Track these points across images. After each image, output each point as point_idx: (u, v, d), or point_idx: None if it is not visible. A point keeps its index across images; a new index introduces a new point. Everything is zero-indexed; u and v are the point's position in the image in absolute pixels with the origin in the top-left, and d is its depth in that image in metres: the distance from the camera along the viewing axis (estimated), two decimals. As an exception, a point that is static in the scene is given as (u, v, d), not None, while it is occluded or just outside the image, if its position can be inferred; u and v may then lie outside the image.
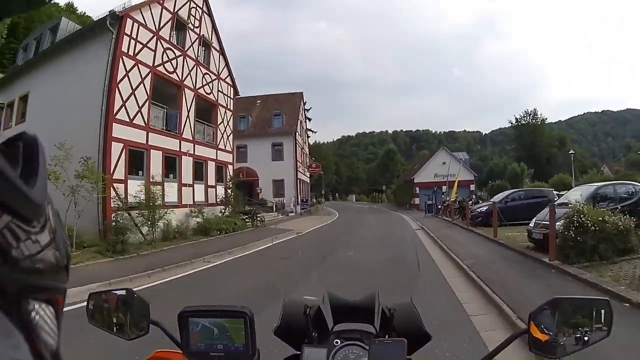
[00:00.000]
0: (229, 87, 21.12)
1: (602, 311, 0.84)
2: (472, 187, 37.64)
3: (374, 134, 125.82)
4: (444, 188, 33.74)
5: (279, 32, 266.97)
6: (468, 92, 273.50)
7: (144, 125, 14.19)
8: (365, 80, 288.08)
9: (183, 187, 15.94)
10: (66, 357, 0.31)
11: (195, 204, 16.35)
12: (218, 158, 19.26)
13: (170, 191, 15.10)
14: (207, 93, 18.59)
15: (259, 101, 38.10)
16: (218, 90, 19.66)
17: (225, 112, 20.56)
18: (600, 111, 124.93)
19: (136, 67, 13.91)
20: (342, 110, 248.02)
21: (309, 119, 61.61)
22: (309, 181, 44.08)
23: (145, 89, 14.32)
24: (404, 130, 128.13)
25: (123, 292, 1.01)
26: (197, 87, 17.65)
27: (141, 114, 14.10)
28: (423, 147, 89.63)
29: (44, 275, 0.31)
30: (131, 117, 13.62)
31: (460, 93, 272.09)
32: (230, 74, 21.10)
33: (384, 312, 1.04)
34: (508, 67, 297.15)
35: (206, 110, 19.07)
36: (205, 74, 18.49)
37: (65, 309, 0.35)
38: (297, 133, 34.39)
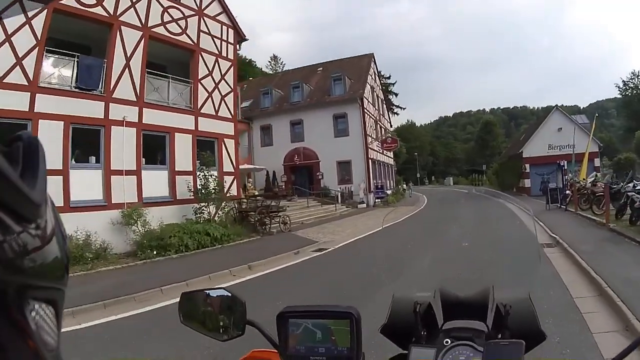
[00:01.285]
0: (225, 28, 14.02)
1: None
2: (597, 161, 25.84)
3: (471, 113, 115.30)
4: (562, 164, 23.33)
5: (360, 18, 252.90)
6: (559, 63, 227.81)
7: (27, 84, 8.50)
8: (455, 57, 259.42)
9: (114, 176, 9.87)
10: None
11: (142, 202, 10.21)
12: (200, 128, 12.63)
13: (87, 183, 9.33)
14: (174, 34, 12.04)
15: (320, 69, 30.72)
16: (200, 31, 12.96)
17: (218, 61, 13.65)
18: None
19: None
20: (436, 91, 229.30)
21: (394, 94, 52.42)
22: (392, 163, 35.96)
23: (34, 31, 8.66)
24: (501, 107, 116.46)
25: (219, 291, 0.95)
26: (150, 24, 11.33)
27: (22, 68, 8.46)
28: (521, 124, 78.38)
29: (44, 275, 0.30)
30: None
31: (552, 64, 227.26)
32: (225, 9, 13.99)
33: (498, 308, 0.93)
34: (598, 32, 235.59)
35: (177, 60, 13.03)
36: (170, 7, 11.93)
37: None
38: (365, 99, 26.59)
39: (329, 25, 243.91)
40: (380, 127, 31.70)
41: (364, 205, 24.24)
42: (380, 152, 29.70)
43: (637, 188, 9.84)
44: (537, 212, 14.44)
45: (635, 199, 9.22)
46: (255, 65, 50.59)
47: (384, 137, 28.98)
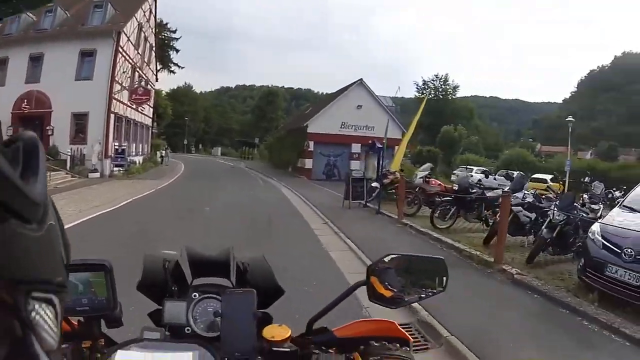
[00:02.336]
0: None
1: (439, 269, 0.95)
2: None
3: (254, 87, 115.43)
4: (356, 147, 22.74)
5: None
6: (356, 57, 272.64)
7: None
8: (252, 32, 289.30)
9: None
10: None
11: None
12: None
13: None
14: None
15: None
16: None
17: None
18: (488, 96, 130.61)
19: None
20: (225, 62, 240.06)
21: (176, 50, 44.45)
22: (150, 123, 30.08)
23: None
24: (286, 86, 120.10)
25: None
26: None
27: None
28: (303, 104, 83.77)
29: (44, 275, 0.32)
30: None
31: (348, 57, 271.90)
32: None
33: (238, 267, 1.04)
34: (400, 40, 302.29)
35: None
36: None
37: None
38: (124, 35, 21.19)
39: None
40: (141, 78, 26.21)
41: (97, 174, 19.65)
42: (133, 109, 24.47)
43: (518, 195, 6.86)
44: (331, 210, 11.12)
45: (522, 217, 6.53)
46: None
47: (134, 87, 23.60)
